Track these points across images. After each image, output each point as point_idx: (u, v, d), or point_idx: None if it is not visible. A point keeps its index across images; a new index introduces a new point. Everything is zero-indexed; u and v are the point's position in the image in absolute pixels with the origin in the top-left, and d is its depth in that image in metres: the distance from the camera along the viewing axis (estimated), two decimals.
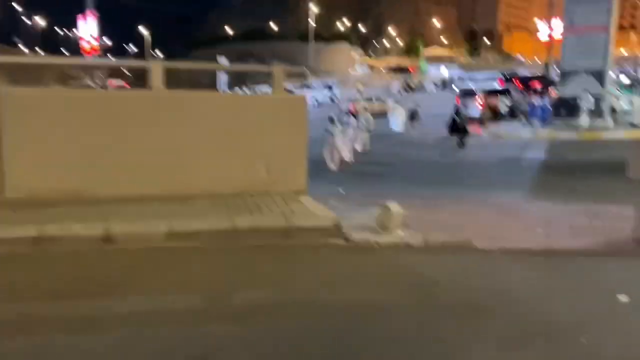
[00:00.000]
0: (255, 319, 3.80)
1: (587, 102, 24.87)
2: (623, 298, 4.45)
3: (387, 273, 5.04)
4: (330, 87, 48.89)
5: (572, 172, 15.00)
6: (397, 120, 26.18)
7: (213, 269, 4.82)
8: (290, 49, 69.44)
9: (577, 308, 4.22)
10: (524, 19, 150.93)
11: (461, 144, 21.15)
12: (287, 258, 5.20)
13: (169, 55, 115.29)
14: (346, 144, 18.34)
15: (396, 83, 56.18)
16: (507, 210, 9.01)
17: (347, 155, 17.16)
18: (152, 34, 74.54)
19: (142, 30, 64.11)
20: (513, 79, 36.08)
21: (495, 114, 29.91)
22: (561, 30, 29.38)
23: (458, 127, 22.51)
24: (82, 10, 28.98)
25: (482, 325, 3.87)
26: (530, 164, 16.97)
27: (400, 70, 72.74)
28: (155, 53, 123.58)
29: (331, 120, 17.26)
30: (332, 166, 16.44)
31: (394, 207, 6.78)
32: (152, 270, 4.71)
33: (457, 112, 24.27)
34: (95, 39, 28.44)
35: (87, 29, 28.85)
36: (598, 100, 25.18)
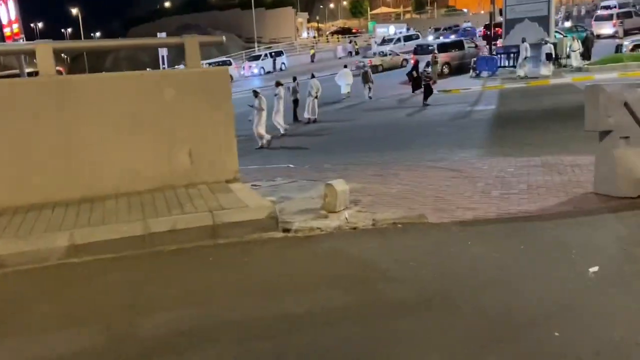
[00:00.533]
0: (167, 356, 3.06)
1: (525, 51, 24.65)
2: (593, 269, 3.95)
3: (329, 267, 4.38)
4: (278, 54, 47.38)
5: (521, 123, 14.69)
6: (344, 83, 25.36)
7: (119, 288, 4.03)
8: (232, 18, 67.05)
9: (548, 291, 3.66)
10: None
11: (425, 102, 20.55)
12: (213, 263, 4.46)
13: (107, 35, 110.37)
14: (278, 115, 17.68)
15: (346, 46, 55.10)
16: (460, 171, 8.47)
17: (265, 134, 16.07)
18: (89, 15, 70.59)
19: (74, 10, 60.32)
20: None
21: (449, 69, 29.47)
22: None
23: (419, 84, 22.01)
24: None
25: (440, 325, 3.27)
26: (480, 118, 16.59)
27: (345, 32, 71.42)
28: (93, 34, 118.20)
29: (255, 93, 16.23)
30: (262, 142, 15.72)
31: (338, 184, 6.10)
32: (41, 299, 3.89)
33: (415, 69, 23.62)
34: (13, 21, 26.06)
35: (6, 13, 26.40)
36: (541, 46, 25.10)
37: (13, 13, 26.71)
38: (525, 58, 24.52)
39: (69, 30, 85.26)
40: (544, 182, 7.09)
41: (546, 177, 7.41)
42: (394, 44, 43.29)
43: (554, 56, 24.90)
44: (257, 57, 46.82)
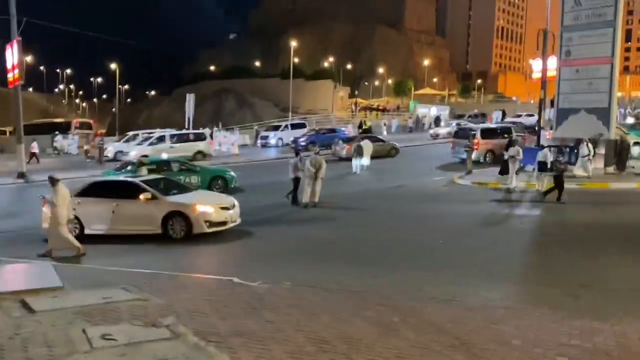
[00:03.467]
0: None
1: (585, 148, 20.72)
2: None
3: None
4: (300, 126, 42.40)
5: (574, 244, 10.67)
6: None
7: None
8: (272, 86, 66.17)
9: None
10: (518, 60, 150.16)
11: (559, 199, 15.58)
12: None
13: (160, 92, 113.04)
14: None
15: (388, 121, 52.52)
16: (468, 348, 4.74)
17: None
18: (145, 73, 71.34)
19: (112, 65, 60.64)
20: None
21: (492, 157, 25.54)
22: (556, 65, 25.53)
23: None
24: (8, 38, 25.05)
25: None
26: (519, 228, 12.69)
27: (371, 109, 69.20)
28: (148, 92, 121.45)
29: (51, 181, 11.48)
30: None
31: None
32: None
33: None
34: (15, 66, 24.32)
35: (11, 57, 24.83)
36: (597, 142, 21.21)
37: (16, 58, 25.36)
38: (587, 156, 20.50)
39: (126, 87, 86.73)
40: None
41: None
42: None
43: (592, 154, 20.74)
44: (276, 127, 42.76)
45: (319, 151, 19.06)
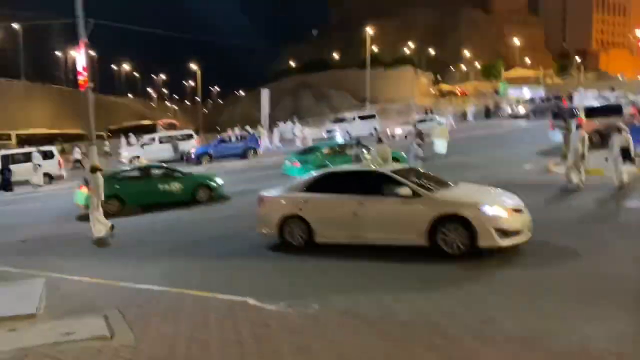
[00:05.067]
0: None
1: None
2: None
3: None
4: (369, 118, 39.85)
5: None
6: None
7: None
8: (350, 77, 64.18)
9: None
10: (622, 35, 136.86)
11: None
12: None
13: (246, 88, 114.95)
14: None
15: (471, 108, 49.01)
16: None
17: None
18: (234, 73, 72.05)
19: (194, 66, 61.49)
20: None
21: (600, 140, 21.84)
22: None
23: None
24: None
25: None
26: (635, 225, 9.85)
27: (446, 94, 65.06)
28: (234, 90, 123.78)
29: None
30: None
31: None
32: None
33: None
34: (84, 69, 24.13)
35: (80, 60, 24.77)
36: None
37: (83, 60, 25.26)
38: None
39: (216, 87, 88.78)
40: None
41: None
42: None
43: None
44: (342, 120, 39.62)
45: (381, 139, 16.65)
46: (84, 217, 13.80)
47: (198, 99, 67.24)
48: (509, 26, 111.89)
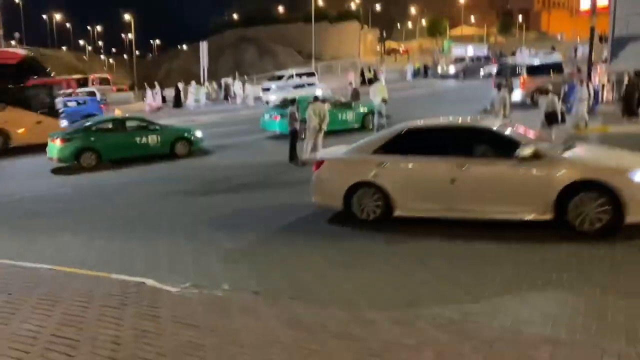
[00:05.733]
0: None
1: (585, 90, 16.44)
2: None
3: None
4: (308, 76, 37.29)
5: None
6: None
7: None
8: (295, 32, 62.21)
9: None
10: None
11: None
12: None
13: (189, 41, 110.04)
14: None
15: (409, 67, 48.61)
16: None
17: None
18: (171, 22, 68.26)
19: (127, 16, 57.76)
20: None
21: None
22: None
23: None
24: None
25: None
26: None
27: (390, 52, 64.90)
28: (177, 44, 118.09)
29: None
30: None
31: None
32: None
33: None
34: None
35: None
36: None
37: None
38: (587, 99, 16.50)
39: (157, 41, 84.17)
40: None
41: None
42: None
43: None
44: (280, 78, 37.08)
45: (324, 99, 16.08)
46: None
47: (137, 53, 63.85)
48: None
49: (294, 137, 14.54)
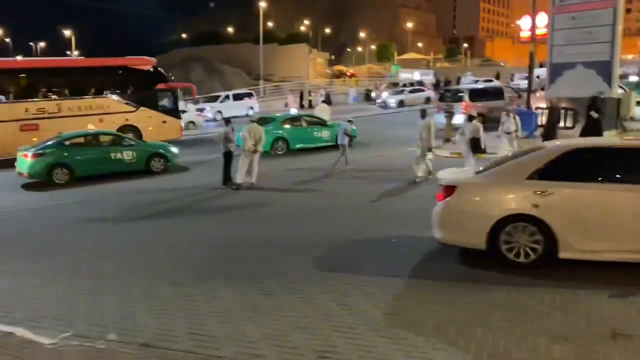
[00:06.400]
0: None
1: (513, 122, 16.21)
2: None
3: None
4: (246, 97, 37.16)
5: None
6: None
7: None
8: (244, 52, 61.69)
9: None
10: (505, 24, 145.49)
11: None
12: None
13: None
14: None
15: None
16: None
17: None
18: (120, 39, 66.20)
19: (67, 32, 55.72)
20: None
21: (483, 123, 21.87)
22: (546, 22, 21.94)
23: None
24: None
25: None
26: None
27: (339, 75, 65.74)
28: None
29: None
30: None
31: None
32: None
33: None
34: None
35: None
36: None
37: None
38: (515, 132, 16.09)
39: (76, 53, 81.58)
40: None
41: None
42: None
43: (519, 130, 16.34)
44: (214, 99, 37.13)
45: (258, 119, 15.52)
46: None
47: None
48: (405, 11, 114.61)
49: (227, 159, 13.81)
